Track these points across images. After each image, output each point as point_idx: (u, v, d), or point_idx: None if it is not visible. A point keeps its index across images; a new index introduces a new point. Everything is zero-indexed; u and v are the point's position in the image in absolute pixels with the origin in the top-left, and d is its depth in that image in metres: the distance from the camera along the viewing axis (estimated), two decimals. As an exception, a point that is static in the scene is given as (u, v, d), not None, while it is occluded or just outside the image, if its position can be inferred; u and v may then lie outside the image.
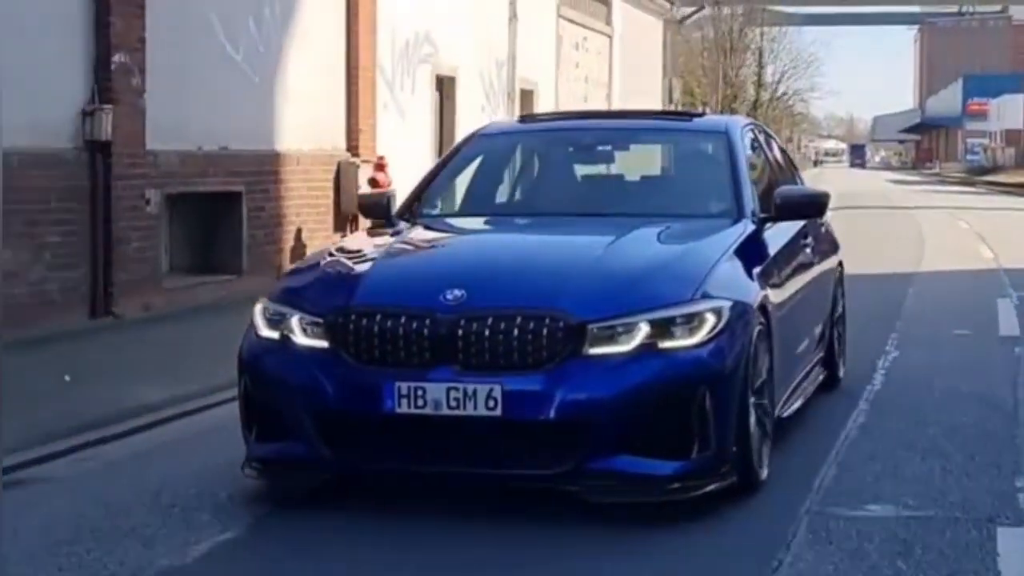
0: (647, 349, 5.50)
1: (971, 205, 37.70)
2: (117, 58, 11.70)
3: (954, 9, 44.42)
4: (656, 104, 31.45)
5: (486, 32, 20.93)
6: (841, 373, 8.71)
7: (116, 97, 11.64)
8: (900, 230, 25.96)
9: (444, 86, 19.46)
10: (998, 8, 70.07)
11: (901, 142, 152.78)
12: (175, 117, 12.53)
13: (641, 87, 30.87)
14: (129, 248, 11.88)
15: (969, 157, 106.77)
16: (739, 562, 5.13)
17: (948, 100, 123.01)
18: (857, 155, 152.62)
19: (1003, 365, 9.48)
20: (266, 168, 14.29)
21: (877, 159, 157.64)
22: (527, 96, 22.73)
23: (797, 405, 7.15)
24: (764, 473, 6.01)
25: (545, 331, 5.46)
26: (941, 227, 26.92)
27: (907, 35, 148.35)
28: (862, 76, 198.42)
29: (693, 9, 37.25)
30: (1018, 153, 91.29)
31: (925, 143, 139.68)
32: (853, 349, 9.31)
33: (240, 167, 13.75)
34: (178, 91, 12.61)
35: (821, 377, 8.13)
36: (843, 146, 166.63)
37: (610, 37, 28.31)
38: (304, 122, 14.97)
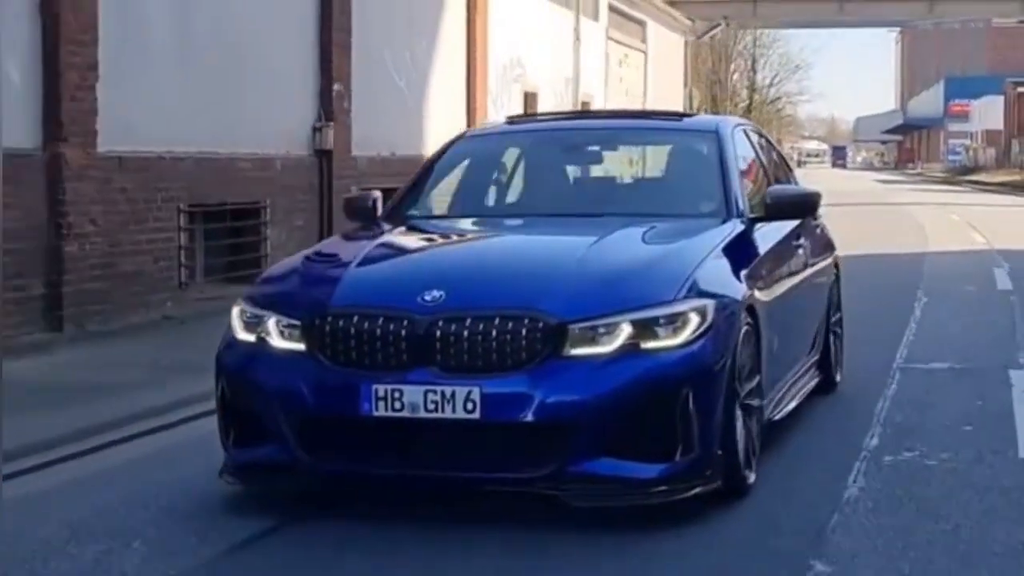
0: (629, 350, 5.48)
1: (958, 202, 41.44)
2: (335, 88, 15.77)
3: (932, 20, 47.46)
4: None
5: (557, 54, 25.12)
6: (838, 377, 8.84)
7: (334, 116, 15.69)
8: (900, 222, 29.89)
9: (528, 101, 23.60)
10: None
11: (883, 143, 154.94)
12: (366, 131, 16.62)
13: (667, 97, 35.08)
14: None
15: (951, 157, 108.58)
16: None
17: (930, 101, 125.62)
18: (839, 156, 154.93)
19: (1001, 305, 13.60)
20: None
21: (859, 160, 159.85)
22: (586, 108, 26.91)
23: (790, 407, 7.23)
24: (752, 477, 6.02)
25: (524, 332, 5.43)
26: (935, 219, 30.79)
27: (888, 37, 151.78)
28: (844, 78, 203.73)
29: (710, 27, 41.46)
30: (998, 153, 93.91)
31: (907, 144, 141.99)
32: (894, 299, 13.39)
33: (404, 168, 17.88)
34: (368, 111, 16.71)
35: (816, 380, 8.22)
36: (825, 147, 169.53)
37: (645, 53, 32.59)
38: (440, 132, 19.11)
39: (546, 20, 24.49)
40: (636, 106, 31.60)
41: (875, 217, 31.51)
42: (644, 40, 32.58)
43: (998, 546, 5.38)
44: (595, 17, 27.92)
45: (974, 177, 76.01)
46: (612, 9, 29.04)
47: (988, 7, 45.65)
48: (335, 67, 15.77)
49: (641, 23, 32.23)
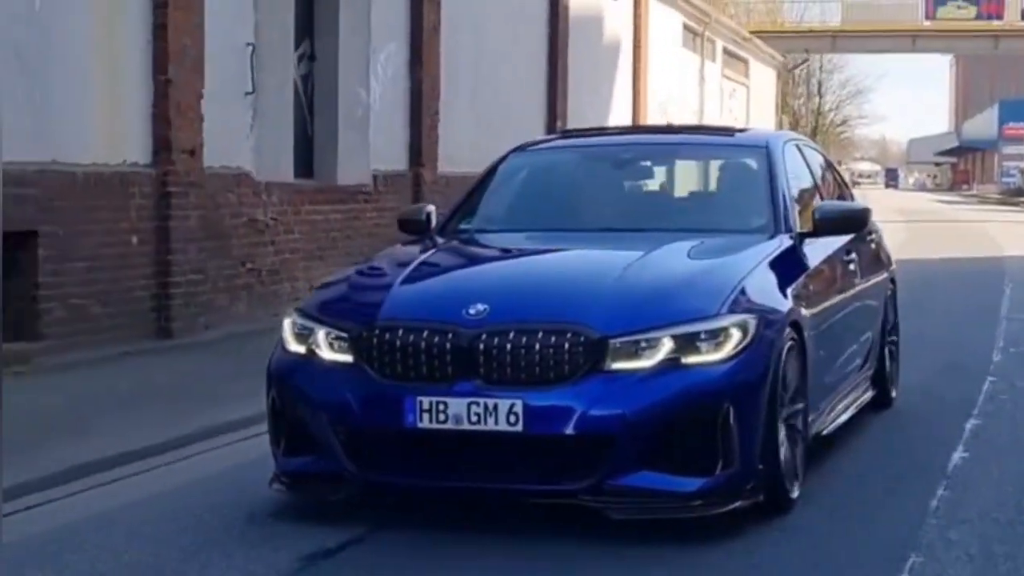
0: (670, 364, 5.59)
1: (1019, 219, 45.73)
2: (558, 124, 21.22)
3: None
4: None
5: (687, 91, 30.53)
6: (894, 393, 9.03)
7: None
8: (971, 234, 34.49)
9: (669, 131, 29.28)
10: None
11: (937, 164, 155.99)
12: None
13: (762, 124, 40.45)
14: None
15: (1005, 179, 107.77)
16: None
17: (984, 124, 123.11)
18: (891, 177, 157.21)
19: None
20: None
21: (911, 181, 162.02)
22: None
23: (840, 421, 7.42)
24: (796, 492, 6.12)
25: (567, 345, 5.56)
26: (1003, 232, 35.23)
27: (943, 60, 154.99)
28: (897, 99, 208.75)
29: (799, 61, 46.88)
30: None
31: (961, 165, 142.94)
32: (985, 287, 18.27)
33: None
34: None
35: (870, 394, 8.40)
36: (877, 168, 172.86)
37: (747, 87, 37.91)
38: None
39: (680, 64, 29.88)
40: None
41: (947, 230, 36.30)
42: (747, 75, 38.09)
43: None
44: (713, 59, 33.36)
45: None
46: (725, 51, 34.46)
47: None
48: (559, 108, 21.17)
49: (745, 61, 37.69)
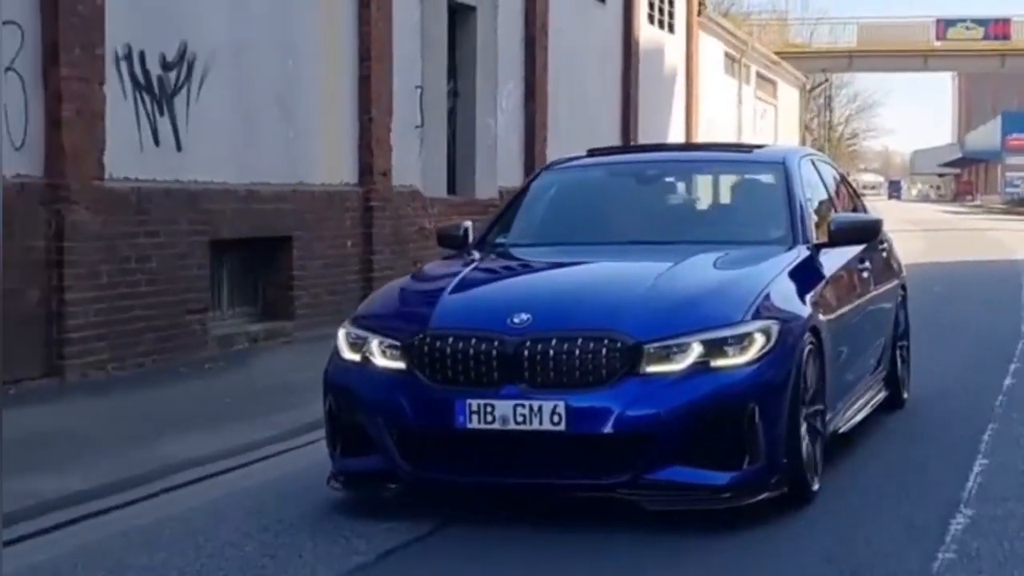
0: (700, 367, 6.07)
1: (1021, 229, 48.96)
2: (631, 140, 24.67)
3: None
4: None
5: (726, 112, 34.10)
6: (906, 395, 9.49)
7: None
8: (982, 239, 37.55)
9: (714, 149, 32.99)
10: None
11: (940, 175, 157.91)
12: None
13: (788, 140, 43.95)
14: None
15: (1008, 190, 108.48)
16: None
17: (987, 135, 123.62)
18: (894, 189, 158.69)
19: None
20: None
21: (914, 192, 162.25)
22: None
23: (856, 420, 7.88)
24: (816, 484, 6.62)
25: (605, 351, 6.05)
26: (1012, 238, 38.13)
27: (946, 75, 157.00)
28: (900, 111, 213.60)
29: (820, 81, 50.46)
30: None
31: (964, 176, 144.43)
32: (1005, 281, 21.46)
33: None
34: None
35: (883, 395, 8.83)
36: (881, 179, 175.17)
37: (776, 107, 41.45)
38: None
39: (722, 88, 33.40)
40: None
41: (958, 237, 39.43)
42: (775, 96, 41.64)
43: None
44: (748, 82, 36.90)
45: None
46: (758, 75, 38.00)
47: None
48: (631, 127, 24.66)
49: (774, 83, 41.25)
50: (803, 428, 6.45)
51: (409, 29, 16.27)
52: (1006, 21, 52.09)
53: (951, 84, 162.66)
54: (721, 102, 32.90)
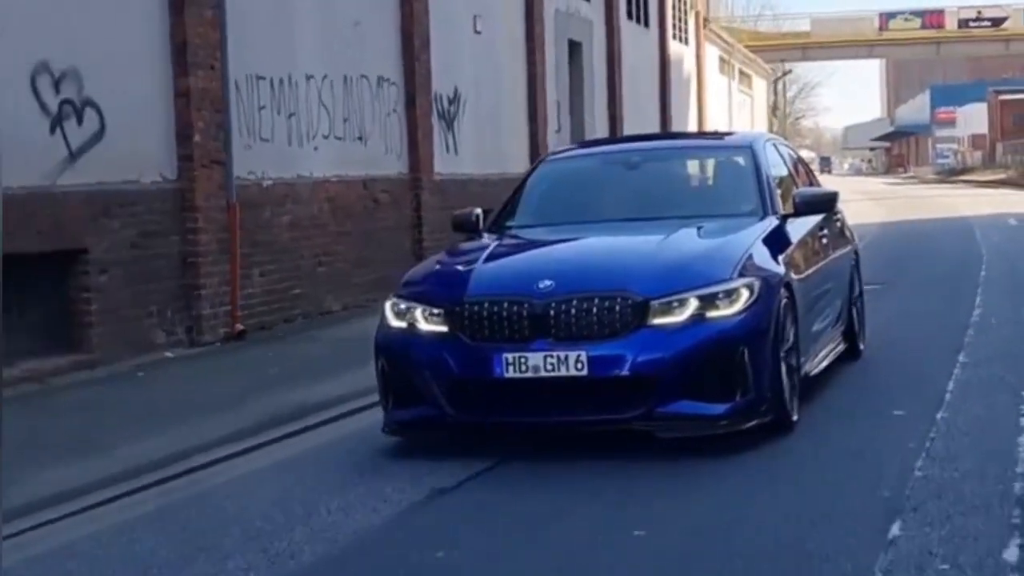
0: (697, 319, 7.18)
1: (962, 193, 54.49)
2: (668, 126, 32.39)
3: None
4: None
5: (720, 106, 42.01)
6: (862, 346, 10.54)
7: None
8: (931, 204, 43.27)
9: (715, 135, 40.88)
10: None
11: (871, 149, 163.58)
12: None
13: (760, 125, 51.96)
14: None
15: (939, 161, 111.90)
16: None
17: (916, 109, 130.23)
18: (824, 164, 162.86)
19: (1019, 230, 28.99)
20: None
21: (845, 166, 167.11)
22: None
23: (823, 366, 9.03)
24: (795, 416, 7.72)
25: (618, 308, 7.13)
26: (955, 201, 43.71)
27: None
28: (834, 91, 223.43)
29: (782, 73, 58.36)
30: (985, 155, 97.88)
31: (895, 150, 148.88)
32: (962, 230, 28.58)
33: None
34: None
35: (843, 347, 9.99)
36: (813, 155, 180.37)
37: (752, 97, 49.42)
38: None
39: (719, 85, 41.23)
40: (751, 133, 48.73)
41: (909, 203, 45.32)
42: (751, 88, 49.56)
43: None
44: (734, 78, 44.73)
45: (966, 177, 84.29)
46: (740, 71, 45.86)
47: (980, 47, 62.34)
48: (668, 119, 32.52)
49: (749, 76, 49.15)
50: (783, 367, 7.50)
51: (552, 63, 23.85)
52: (940, 12, 60.44)
53: (880, 62, 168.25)
54: (717, 96, 40.60)
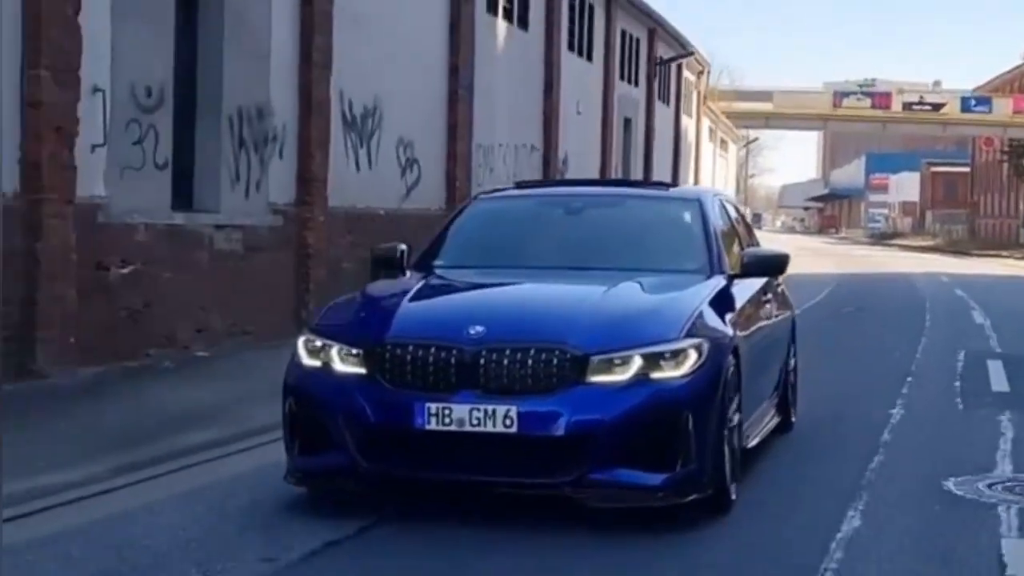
0: (640, 379, 6.79)
1: (895, 256, 60.84)
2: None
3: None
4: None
5: (709, 168, 51.15)
6: (793, 419, 10.33)
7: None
8: (871, 260, 51.18)
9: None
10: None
11: (806, 208, 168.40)
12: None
13: (731, 185, 61.30)
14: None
15: (871, 224, 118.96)
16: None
17: (851, 174, 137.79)
18: (756, 220, 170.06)
19: (945, 284, 37.23)
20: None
21: (778, 224, 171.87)
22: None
23: (757, 440, 8.63)
24: (734, 494, 7.33)
25: (555, 361, 6.74)
26: (891, 260, 51.33)
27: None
28: (773, 151, 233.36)
29: (750, 139, 67.92)
30: (915, 222, 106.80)
31: (828, 211, 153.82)
32: (904, 280, 37.21)
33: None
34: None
35: (777, 420, 9.71)
36: (747, 210, 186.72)
37: (727, 159, 58.79)
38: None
39: (708, 149, 50.52)
40: (728, 189, 57.61)
41: (851, 259, 52.30)
42: (727, 152, 58.81)
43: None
44: (718, 144, 53.96)
45: (897, 241, 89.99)
46: (720, 139, 55.18)
47: (921, 128, 72.24)
48: (678, 177, 41.27)
49: (725, 143, 58.41)
50: (726, 439, 7.23)
51: (616, 137, 32.73)
52: (887, 95, 70.20)
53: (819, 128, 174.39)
54: (707, 159, 49.55)
